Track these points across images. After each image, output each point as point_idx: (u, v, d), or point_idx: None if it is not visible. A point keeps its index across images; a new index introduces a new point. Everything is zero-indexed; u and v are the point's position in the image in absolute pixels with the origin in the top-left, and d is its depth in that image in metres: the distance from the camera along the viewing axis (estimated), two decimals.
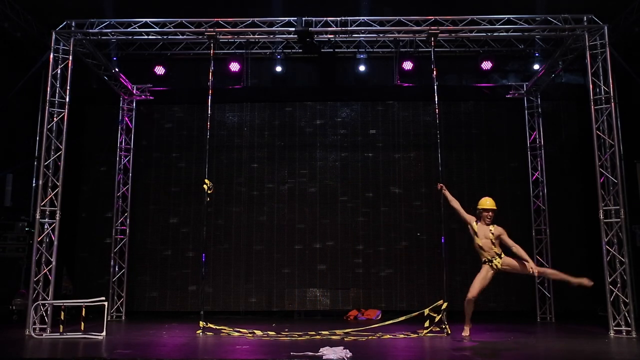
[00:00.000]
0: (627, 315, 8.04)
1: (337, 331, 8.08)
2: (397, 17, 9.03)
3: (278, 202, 11.67)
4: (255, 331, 8.11)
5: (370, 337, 7.76)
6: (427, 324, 8.10)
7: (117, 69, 10.60)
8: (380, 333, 8.06)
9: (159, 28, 9.12)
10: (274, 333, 8.03)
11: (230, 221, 11.61)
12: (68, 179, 9.03)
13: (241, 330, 8.20)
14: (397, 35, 9.63)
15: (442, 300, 8.05)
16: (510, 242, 7.70)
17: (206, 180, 8.41)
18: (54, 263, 8.29)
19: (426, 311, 8.12)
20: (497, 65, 10.99)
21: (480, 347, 7.15)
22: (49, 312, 8.10)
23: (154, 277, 11.44)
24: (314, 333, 7.93)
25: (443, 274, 8.24)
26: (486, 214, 7.81)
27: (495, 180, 11.64)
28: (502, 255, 7.73)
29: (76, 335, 7.62)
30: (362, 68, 11.50)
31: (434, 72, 8.68)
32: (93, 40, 9.20)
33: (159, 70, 10.92)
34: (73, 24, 8.93)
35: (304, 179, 11.76)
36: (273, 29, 9.10)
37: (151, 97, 11.28)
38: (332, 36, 9.58)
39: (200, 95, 10.26)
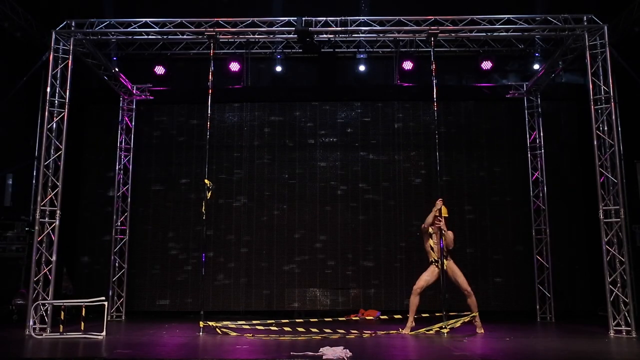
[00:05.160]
0: (627, 315, 8.04)
1: (338, 330, 8.09)
2: (397, 17, 9.02)
3: (278, 201, 11.67)
4: (257, 326, 8.13)
5: (369, 337, 7.76)
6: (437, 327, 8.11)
7: (117, 69, 10.60)
8: (381, 332, 8.09)
9: (159, 28, 9.12)
10: (275, 328, 8.05)
11: (231, 221, 11.61)
12: (68, 178, 9.03)
13: (242, 325, 8.23)
14: (397, 35, 9.62)
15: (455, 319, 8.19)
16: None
17: (206, 180, 8.41)
18: (54, 263, 8.29)
19: (445, 330, 8.03)
20: (497, 65, 10.99)
21: (479, 347, 7.16)
22: (49, 312, 8.09)
23: (154, 277, 11.44)
24: (314, 333, 7.93)
25: (442, 279, 8.21)
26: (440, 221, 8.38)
27: (495, 180, 11.64)
28: (449, 258, 8.36)
29: (76, 335, 7.62)
30: (362, 68, 11.50)
31: (434, 72, 8.68)
32: (93, 40, 9.20)
33: (159, 70, 10.93)
34: (73, 24, 8.93)
35: (304, 178, 11.76)
36: (273, 28, 9.10)
37: (151, 97, 11.28)
38: (332, 36, 9.56)
39: (200, 95, 10.27)
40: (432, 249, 8.39)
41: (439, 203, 8.29)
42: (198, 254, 10.90)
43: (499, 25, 8.93)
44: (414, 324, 8.30)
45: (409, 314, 8.32)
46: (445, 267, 8.15)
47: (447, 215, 8.50)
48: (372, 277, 11.37)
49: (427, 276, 8.36)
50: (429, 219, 8.39)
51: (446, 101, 11.34)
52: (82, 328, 7.76)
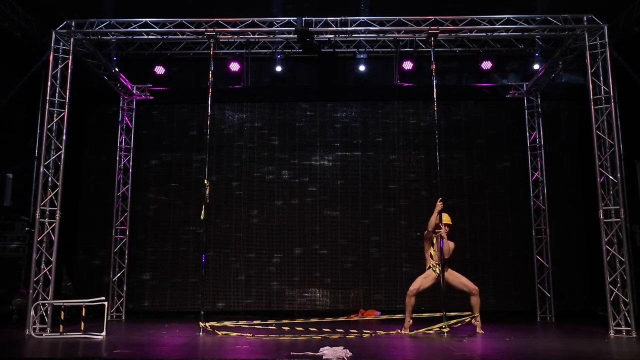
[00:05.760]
0: (627, 315, 8.04)
1: (338, 330, 8.09)
2: (397, 17, 9.01)
3: (278, 201, 11.67)
4: (257, 326, 8.13)
5: (369, 337, 7.76)
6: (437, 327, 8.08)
7: (117, 69, 10.60)
8: (381, 332, 8.09)
9: (159, 28, 9.11)
10: (274, 327, 8.04)
11: (230, 221, 11.62)
12: (68, 179, 9.03)
13: (242, 325, 8.22)
14: (397, 35, 9.61)
15: (454, 320, 8.13)
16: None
17: (205, 181, 8.40)
18: (54, 263, 8.28)
19: (445, 329, 8.02)
20: (497, 65, 10.98)
21: (479, 347, 7.15)
22: (49, 312, 8.09)
23: (154, 277, 11.45)
24: (314, 333, 7.94)
25: (442, 281, 8.19)
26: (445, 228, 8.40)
27: (495, 180, 11.65)
28: (446, 268, 8.22)
29: (76, 335, 7.62)
30: (362, 68, 11.49)
31: (434, 72, 8.67)
32: (93, 40, 9.19)
33: (159, 70, 10.92)
34: (73, 24, 8.92)
35: (303, 178, 11.76)
36: (273, 28, 9.09)
37: (151, 97, 11.28)
38: (332, 36, 9.56)
39: (200, 95, 10.27)
40: (431, 256, 8.36)
41: (440, 204, 8.26)
42: (198, 254, 10.89)
43: (499, 25, 8.92)
44: (411, 322, 8.25)
45: (406, 314, 8.30)
46: (445, 277, 8.09)
47: (450, 223, 8.41)
48: (372, 277, 11.38)
49: (422, 279, 8.32)
50: (432, 220, 8.29)
51: (446, 101, 11.35)
52: (82, 328, 7.75)
